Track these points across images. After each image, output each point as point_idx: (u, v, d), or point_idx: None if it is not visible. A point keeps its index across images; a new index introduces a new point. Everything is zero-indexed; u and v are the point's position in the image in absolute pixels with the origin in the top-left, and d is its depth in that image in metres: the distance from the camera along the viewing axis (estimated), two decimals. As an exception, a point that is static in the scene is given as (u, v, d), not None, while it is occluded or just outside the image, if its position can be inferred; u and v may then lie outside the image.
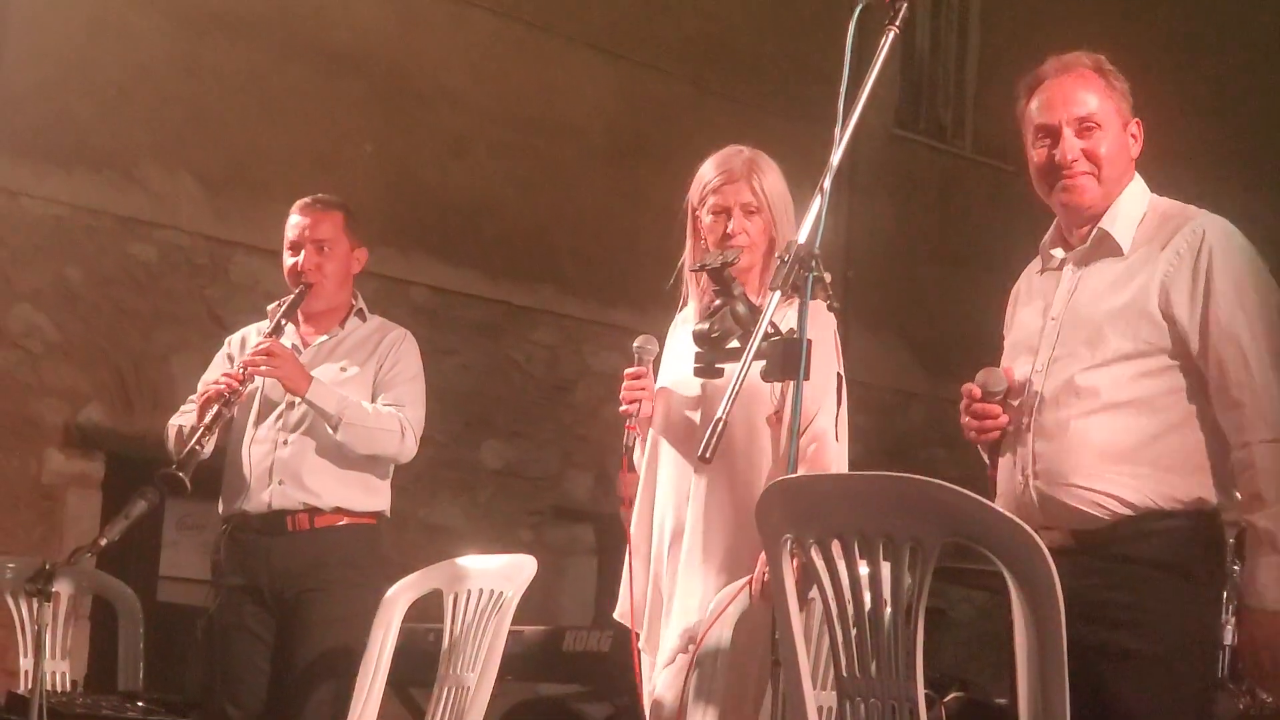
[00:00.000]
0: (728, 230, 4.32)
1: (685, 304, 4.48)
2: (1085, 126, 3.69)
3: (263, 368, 5.24)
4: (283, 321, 5.41)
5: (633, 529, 4.39)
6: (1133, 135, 3.73)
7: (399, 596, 4.94)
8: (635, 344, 4.37)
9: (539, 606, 8.39)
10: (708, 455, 3.31)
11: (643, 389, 4.31)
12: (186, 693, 6.58)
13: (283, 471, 5.34)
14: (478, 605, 4.85)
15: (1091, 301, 3.67)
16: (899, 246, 12.03)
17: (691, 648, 4.17)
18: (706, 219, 4.36)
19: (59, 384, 8.66)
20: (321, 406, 5.26)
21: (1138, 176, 3.76)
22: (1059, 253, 3.81)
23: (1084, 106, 3.70)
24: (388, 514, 5.47)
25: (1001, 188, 12.17)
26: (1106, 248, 3.70)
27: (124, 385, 8.67)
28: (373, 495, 5.43)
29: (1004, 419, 3.71)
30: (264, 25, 9.12)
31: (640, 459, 4.43)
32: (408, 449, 5.36)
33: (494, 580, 4.85)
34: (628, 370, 4.35)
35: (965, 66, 12.51)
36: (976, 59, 12.53)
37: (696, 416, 4.27)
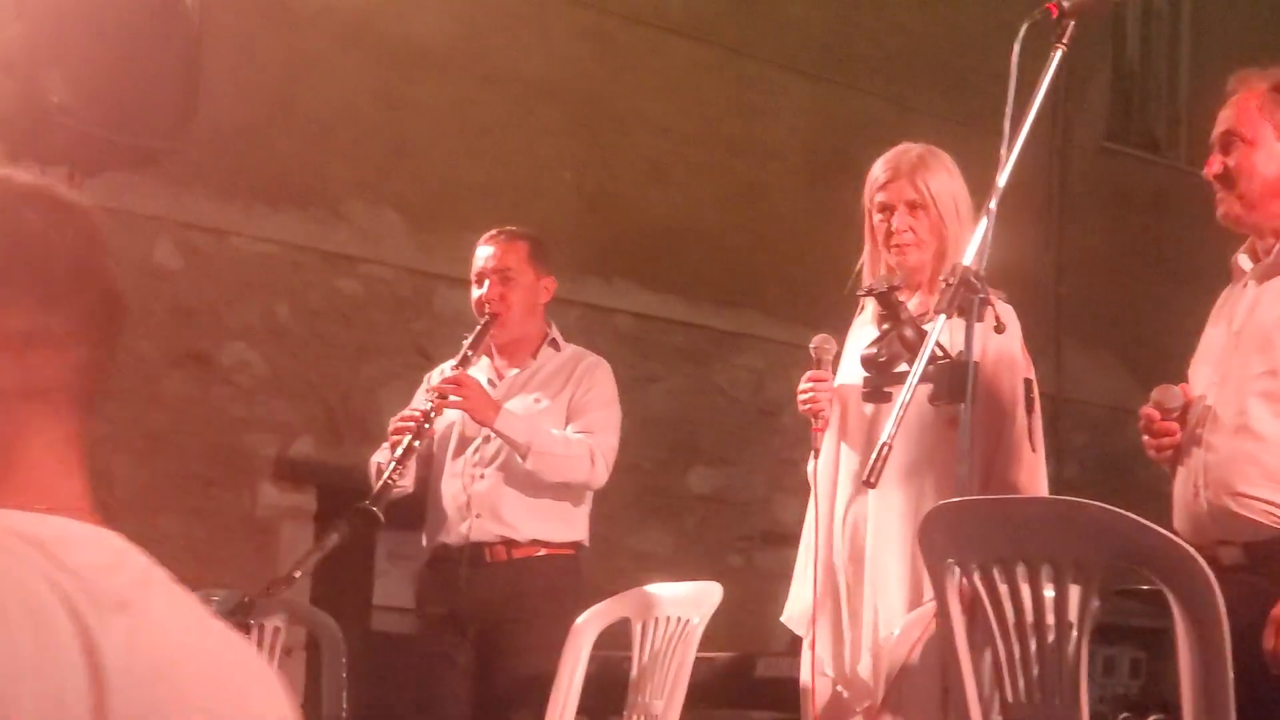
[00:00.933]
0: (892, 228, 4.27)
1: (864, 308, 4.44)
2: (1226, 142, 3.64)
3: (450, 399, 5.30)
4: (469, 354, 5.46)
5: (807, 531, 4.36)
6: None
7: (588, 625, 4.94)
8: (812, 344, 4.32)
9: (751, 632, 8.38)
10: (873, 480, 3.29)
11: (819, 388, 4.27)
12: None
13: (480, 505, 5.40)
14: (666, 632, 4.83)
15: (1268, 314, 3.59)
16: (1113, 262, 11.82)
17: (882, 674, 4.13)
18: (876, 218, 4.31)
19: (270, 418, 8.85)
20: (510, 436, 5.30)
21: None
22: (1245, 263, 3.74)
23: (1226, 122, 3.65)
24: (586, 543, 5.49)
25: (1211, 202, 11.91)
26: None
27: (333, 418, 8.83)
28: (570, 525, 5.45)
29: (1179, 435, 3.65)
30: (461, 57, 9.24)
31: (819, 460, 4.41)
32: (598, 476, 5.38)
33: (681, 607, 4.84)
34: (809, 373, 4.31)
35: (1177, 76, 12.26)
36: (1188, 68, 12.27)
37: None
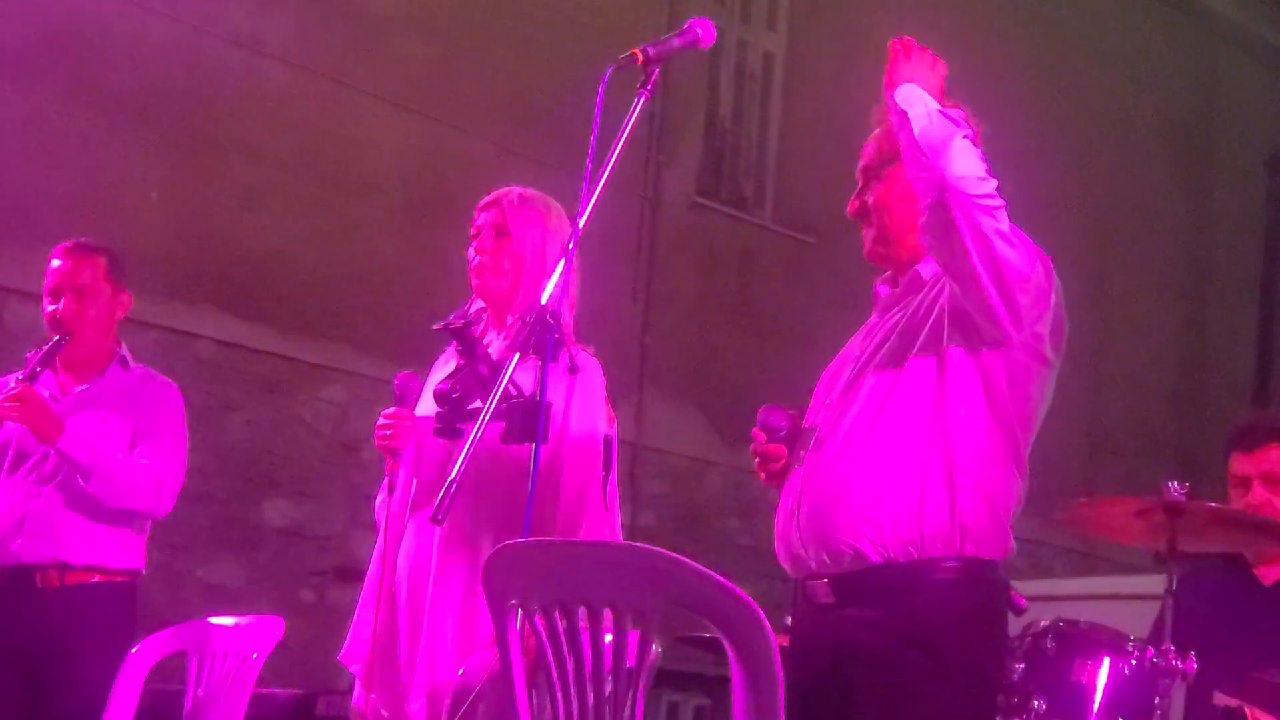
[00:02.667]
0: (474, 247, 4.29)
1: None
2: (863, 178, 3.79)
3: (12, 414, 5.10)
4: (38, 370, 5.27)
5: (372, 568, 4.30)
6: None
7: (141, 656, 4.82)
8: (396, 379, 4.27)
9: (318, 669, 8.23)
10: (439, 517, 3.25)
11: (398, 423, 4.21)
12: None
13: (34, 524, 5.19)
14: (223, 668, 4.73)
15: (881, 346, 3.68)
16: (699, 314, 12.05)
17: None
18: (471, 247, 4.32)
19: None
20: (73, 456, 5.12)
21: None
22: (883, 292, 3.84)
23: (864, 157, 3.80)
24: (142, 571, 5.34)
25: (801, 259, 12.24)
26: None
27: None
28: (128, 552, 5.29)
29: (785, 459, 3.71)
30: (43, 65, 8.90)
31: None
32: (163, 504, 5.25)
33: (240, 641, 4.74)
34: (388, 409, 4.26)
35: (767, 137, 12.58)
36: (778, 129, 12.61)
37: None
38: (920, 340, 3.59)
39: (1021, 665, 4.11)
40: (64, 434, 5.12)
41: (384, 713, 4.19)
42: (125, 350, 5.48)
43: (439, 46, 10.48)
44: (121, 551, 5.29)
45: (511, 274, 4.28)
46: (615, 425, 4.27)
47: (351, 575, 9.83)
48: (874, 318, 3.84)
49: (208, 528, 9.22)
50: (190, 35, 9.43)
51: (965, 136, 3.47)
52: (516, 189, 4.39)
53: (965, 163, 3.42)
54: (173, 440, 5.35)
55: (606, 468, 4.16)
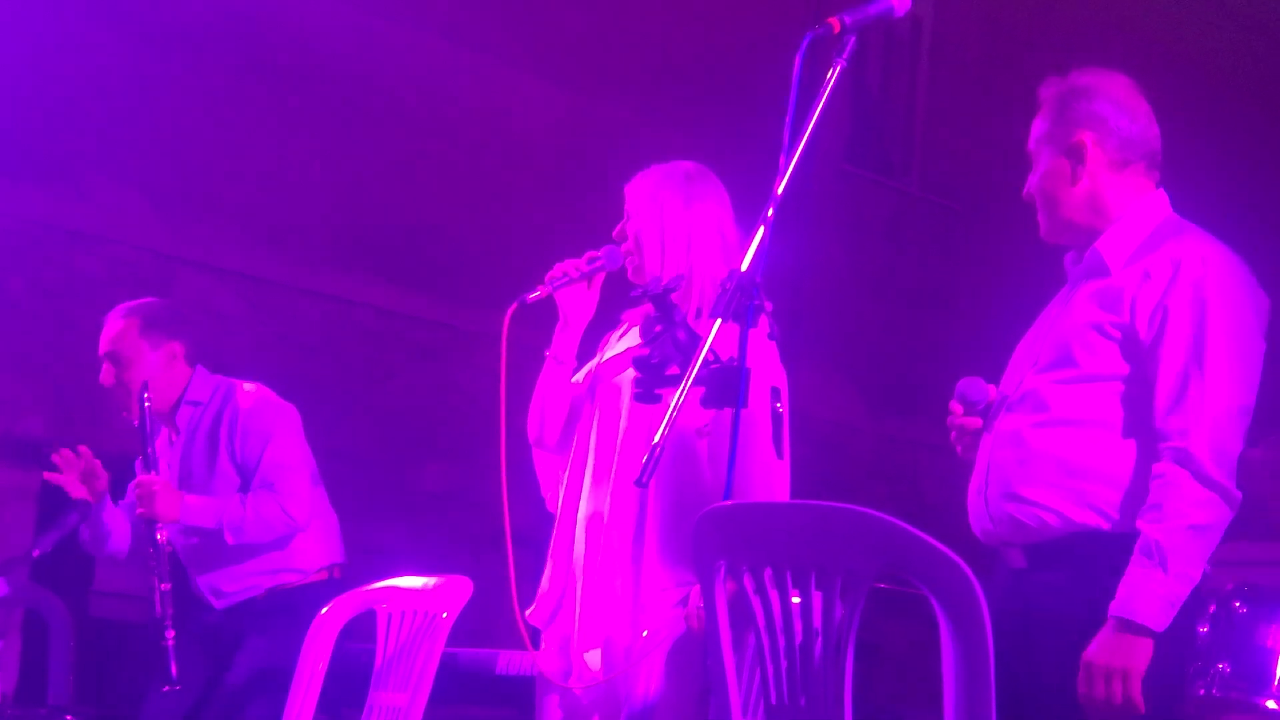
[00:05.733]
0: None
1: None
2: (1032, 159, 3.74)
3: (145, 513, 5.26)
4: (150, 451, 5.36)
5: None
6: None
7: (332, 616, 4.88)
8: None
9: (478, 632, 8.35)
10: (645, 480, 3.31)
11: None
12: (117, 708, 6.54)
13: (198, 567, 5.44)
14: (413, 626, 4.78)
15: (1073, 319, 3.66)
16: (847, 282, 12.06)
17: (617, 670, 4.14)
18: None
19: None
20: (201, 526, 5.30)
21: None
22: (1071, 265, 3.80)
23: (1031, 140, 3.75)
24: (334, 563, 5.51)
25: (948, 226, 12.22)
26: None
27: (63, 398, 8.61)
28: (307, 556, 5.48)
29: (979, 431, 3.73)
30: (215, 44, 9.07)
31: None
32: (298, 519, 5.37)
33: (430, 601, 4.80)
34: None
35: (914, 104, 12.55)
36: (926, 97, 12.57)
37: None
38: (1112, 317, 3.58)
39: (1206, 629, 4.11)
40: (183, 509, 5.27)
41: (563, 672, 4.26)
42: (190, 388, 5.55)
43: (590, 16, 10.55)
44: (300, 557, 5.48)
45: (635, 254, 4.34)
46: (784, 374, 4.29)
47: (507, 540, 9.93)
48: (1066, 289, 3.83)
49: (367, 491, 9.35)
50: (352, 12, 9.58)
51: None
52: (649, 171, 4.44)
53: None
54: (273, 454, 5.47)
55: (778, 420, 4.19)
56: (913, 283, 12.23)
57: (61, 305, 8.53)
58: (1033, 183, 3.74)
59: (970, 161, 11.95)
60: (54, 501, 5.91)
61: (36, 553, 5.23)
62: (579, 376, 4.45)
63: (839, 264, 11.94)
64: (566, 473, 4.39)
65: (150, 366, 5.42)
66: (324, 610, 4.91)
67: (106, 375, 5.45)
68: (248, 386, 5.53)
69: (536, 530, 4.50)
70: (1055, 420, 3.58)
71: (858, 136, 12.24)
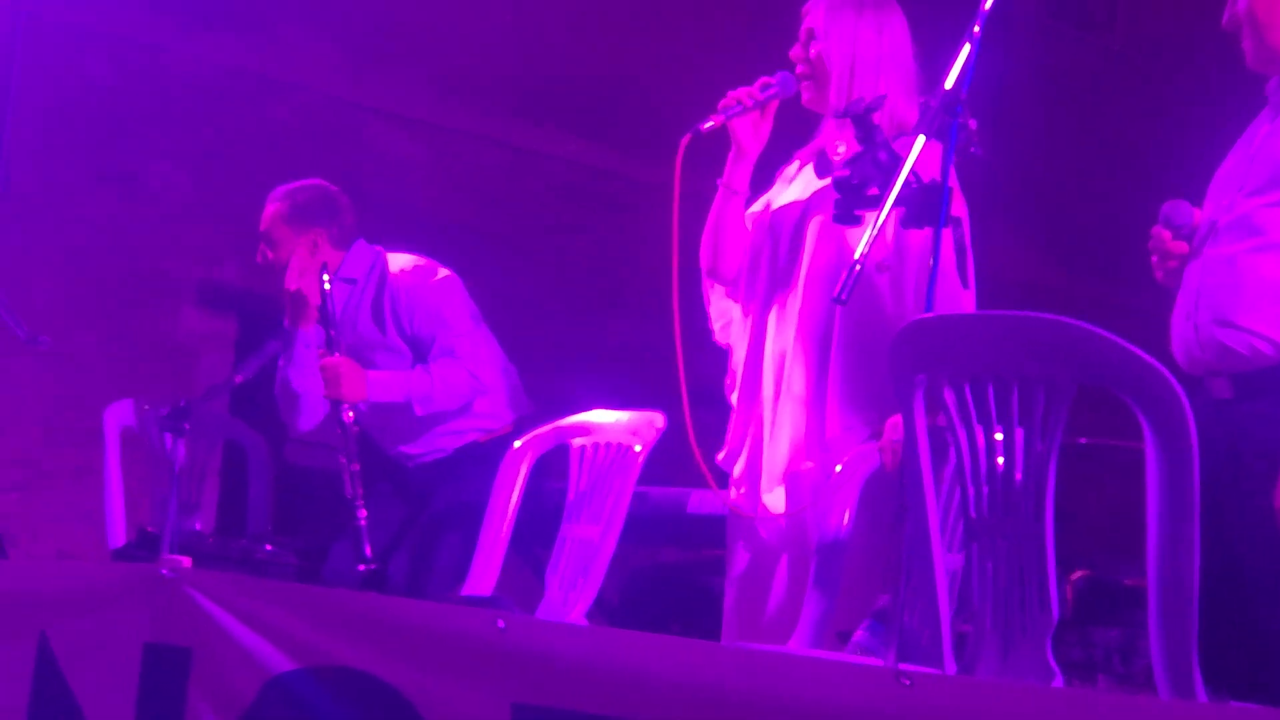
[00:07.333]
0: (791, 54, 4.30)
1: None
2: None
3: (332, 393, 5.31)
4: (332, 334, 5.39)
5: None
6: None
7: (525, 449, 4.89)
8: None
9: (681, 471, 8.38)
10: (844, 296, 3.28)
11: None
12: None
13: (394, 434, 5.53)
14: (606, 458, 4.75)
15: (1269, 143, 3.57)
16: (1043, 139, 11.82)
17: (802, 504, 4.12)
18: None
19: (194, 242, 8.74)
20: (388, 401, 5.34)
21: None
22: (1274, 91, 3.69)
23: None
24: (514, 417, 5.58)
25: (1150, 83, 11.93)
26: None
27: (256, 245, 8.73)
28: (489, 416, 5.55)
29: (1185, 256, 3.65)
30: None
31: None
32: (486, 382, 5.42)
33: (622, 434, 4.78)
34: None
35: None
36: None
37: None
38: None
39: None
40: (369, 387, 5.31)
41: (750, 509, 4.26)
42: (343, 267, 5.57)
43: None
44: (486, 417, 5.52)
45: (820, 78, 4.27)
46: (965, 205, 4.21)
47: (680, 373, 9.95)
48: (1268, 113, 3.72)
49: (554, 344, 9.40)
50: None
51: None
52: None
53: None
54: (448, 320, 5.46)
55: (962, 249, 4.11)
56: (1111, 142, 11.96)
57: (253, 153, 8.60)
58: (1240, 7, 3.63)
59: (1174, 14, 11.63)
60: (252, 344, 6.00)
61: (239, 378, 5.32)
62: (755, 208, 4.41)
63: (1036, 121, 11.71)
64: (746, 313, 4.37)
65: (296, 251, 5.50)
66: (516, 444, 4.93)
67: (261, 254, 5.58)
68: (403, 260, 5.58)
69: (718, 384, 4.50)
70: (1270, 244, 3.49)
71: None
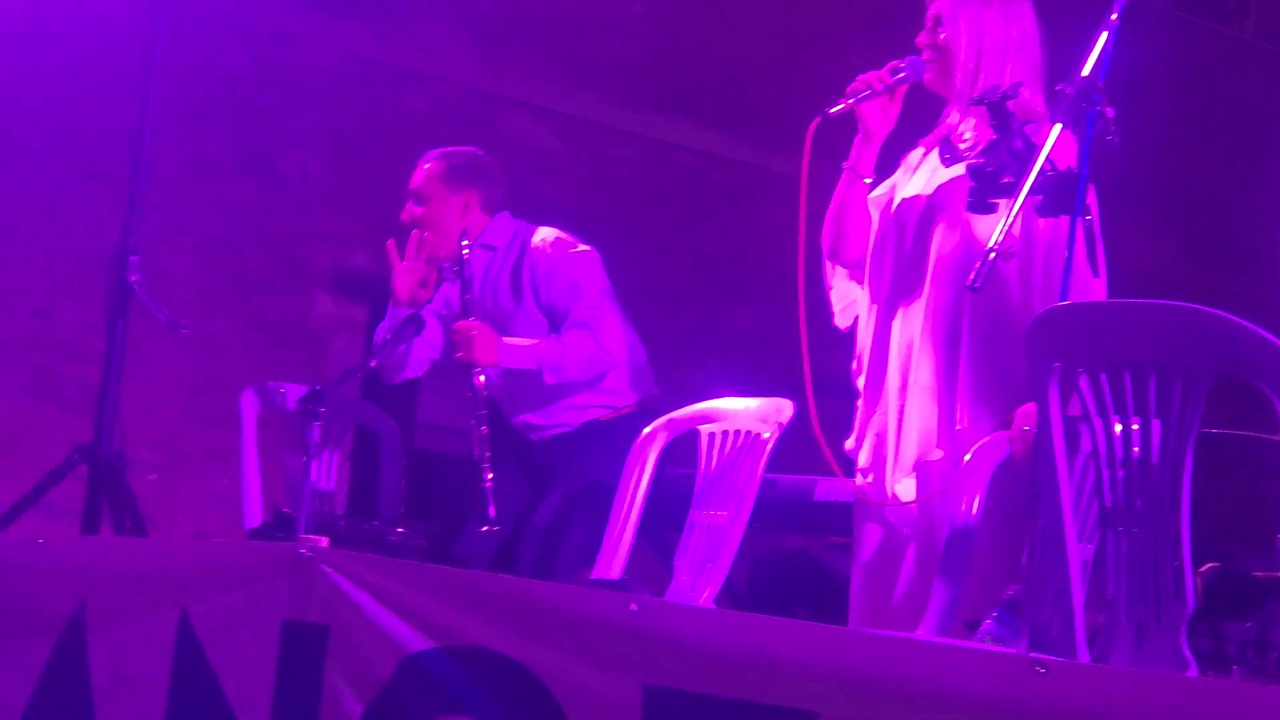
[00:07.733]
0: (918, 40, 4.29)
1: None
2: None
3: (466, 358, 5.34)
4: (468, 299, 5.44)
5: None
6: None
7: (655, 435, 4.91)
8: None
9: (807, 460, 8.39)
10: (978, 284, 3.28)
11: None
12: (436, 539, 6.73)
13: (522, 404, 5.57)
14: (735, 444, 4.75)
15: None
16: (1172, 129, 11.69)
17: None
18: None
19: (328, 229, 8.85)
20: (520, 368, 5.37)
21: None
22: None
23: None
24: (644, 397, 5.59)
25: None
26: None
27: (389, 234, 8.82)
28: (616, 394, 5.57)
29: None
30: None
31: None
32: (616, 355, 5.44)
33: (751, 421, 4.79)
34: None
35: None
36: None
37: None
38: None
39: None
40: (501, 353, 5.35)
41: (873, 495, 4.26)
42: (485, 233, 5.59)
43: None
44: (612, 394, 5.55)
45: (946, 64, 4.26)
46: (1095, 195, 4.18)
47: (804, 357, 9.95)
48: None
49: (683, 332, 9.42)
50: None
51: None
52: None
53: None
54: (585, 293, 5.48)
55: (1091, 237, 4.08)
56: (1241, 133, 11.81)
57: (388, 143, 8.69)
58: None
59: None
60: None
61: (373, 362, 5.39)
62: (879, 192, 4.40)
63: (1165, 110, 11.58)
64: (874, 300, 4.36)
65: (447, 211, 5.55)
66: (646, 430, 4.95)
67: (408, 212, 5.60)
68: (546, 233, 5.60)
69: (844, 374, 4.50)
70: None
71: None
